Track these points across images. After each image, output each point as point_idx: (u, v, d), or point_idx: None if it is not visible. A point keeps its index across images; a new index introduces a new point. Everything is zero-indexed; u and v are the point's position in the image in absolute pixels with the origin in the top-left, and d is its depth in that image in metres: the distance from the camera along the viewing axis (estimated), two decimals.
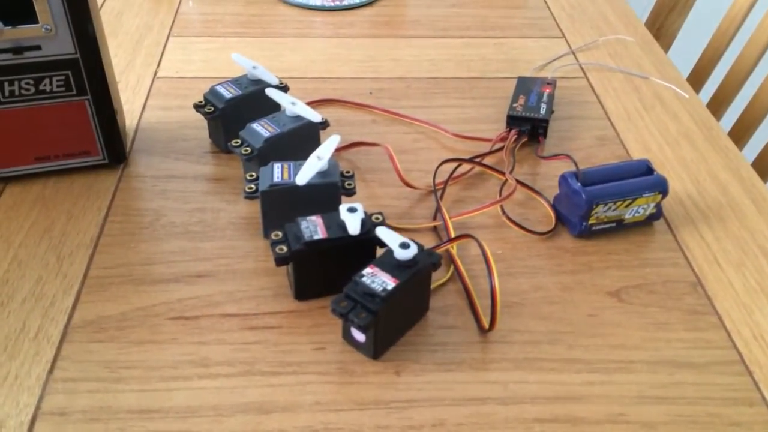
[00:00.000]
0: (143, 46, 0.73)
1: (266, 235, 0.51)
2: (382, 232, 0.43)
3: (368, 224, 0.45)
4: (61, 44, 0.49)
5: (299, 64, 0.72)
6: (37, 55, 0.49)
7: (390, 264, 0.42)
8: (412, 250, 0.42)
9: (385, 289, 0.41)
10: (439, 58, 0.74)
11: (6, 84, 0.49)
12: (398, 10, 0.83)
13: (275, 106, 0.59)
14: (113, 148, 0.55)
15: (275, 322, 0.45)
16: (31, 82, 0.50)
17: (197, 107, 0.57)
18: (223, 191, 0.55)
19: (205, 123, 0.61)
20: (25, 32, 0.47)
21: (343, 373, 0.42)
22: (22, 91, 0.50)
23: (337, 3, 0.83)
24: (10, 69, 0.49)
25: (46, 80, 0.50)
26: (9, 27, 0.46)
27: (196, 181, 0.56)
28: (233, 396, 0.40)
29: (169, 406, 0.40)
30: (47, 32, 0.48)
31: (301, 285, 0.46)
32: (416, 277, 0.42)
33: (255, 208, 0.54)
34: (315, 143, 0.56)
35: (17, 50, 0.48)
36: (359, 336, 0.42)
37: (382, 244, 0.44)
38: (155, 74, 0.69)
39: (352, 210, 0.45)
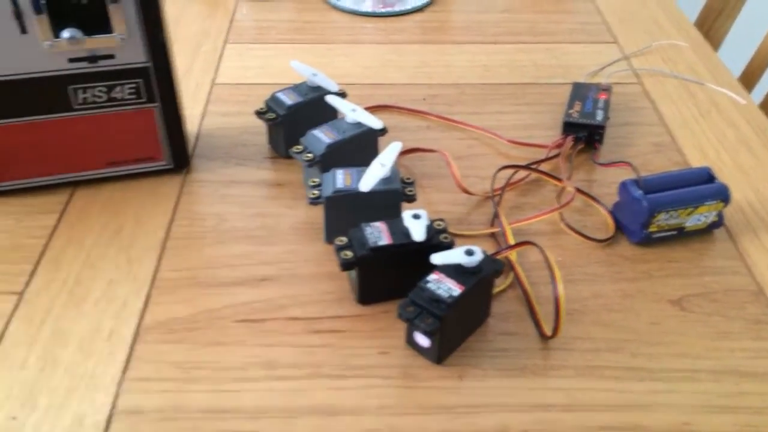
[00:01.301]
0: (201, 53, 0.75)
1: (328, 239, 0.52)
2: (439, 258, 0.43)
3: (431, 231, 0.46)
4: (134, 53, 0.51)
5: (353, 70, 0.72)
6: (110, 64, 0.51)
7: (455, 270, 0.43)
8: (478, 257, 0.42)
9: (451, 296, 0.41)
10: (492, 64, 0.74)
11: (80, 91, 0.51)
12: (448, 15, 0.84)
13: (333, 113, 0.60)
14: (178, 153, 0.57)
15: (339, 326, 0.46)
16: (104, 89, 0.52)
17: (259, 114, 0.59)
18: (283, 196, 0.56)
19: (263, 129, 0.62)
20: (101, 42, 0.49)
21: (408, 378, 0.43)
22: (95, 99, 0.52)
23: (388, 9, 0.84)
24: (84, 77, 0.51)
25: (118, 88, 0.52)
26: (87, 37, 0.48)
27: (256, 186, 0.57)
28: (301, 398, 0.41)
29: (239, 406, 0.41)
30: (121, 41, 0.49)
31: (364, 290, 0.46)
32: (480, 283, 0.43)
33: (315, 213, 0.55)
34: (373, 150, 0.57)
35: (92, 59, 0.50)
36: (423, 341, 0.43)
37: (445, 250, 0.45)
38: (213, 81, 0.70)
39: (416, 217, 0.45)
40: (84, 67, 0.50)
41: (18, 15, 0.47)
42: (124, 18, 0.49)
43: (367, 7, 0.85)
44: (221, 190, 0.57)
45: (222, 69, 0.72)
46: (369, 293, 0.47)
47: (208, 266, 0.50)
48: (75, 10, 0.48)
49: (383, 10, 0.84)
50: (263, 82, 0.71)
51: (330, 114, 0.60)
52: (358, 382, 0.42)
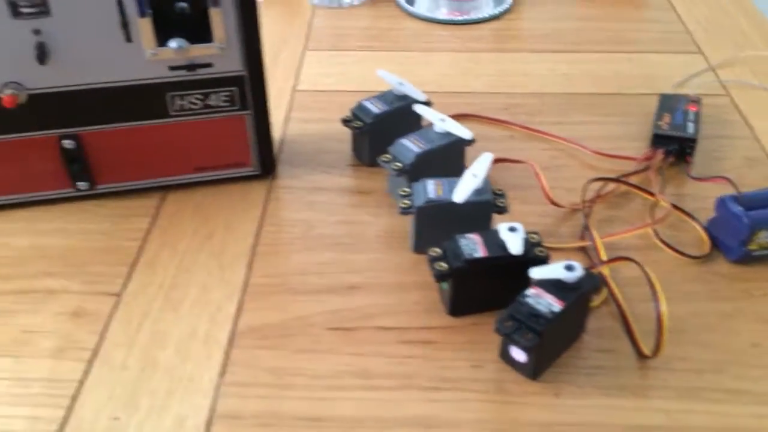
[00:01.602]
0: (281, 60, 0.76)
1: (416, 249, 0.52)
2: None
3: (527, 244, 0.45)
4: (231, 62, 0.51)
5: (432, 78, 0.72)
6: (208, 72, 0.52)
7: (553, 285, 0.42)
8: (578, 273, 0.42)
9: (551, 311, 0.40)
10: (573, 73, 0.73)
11: (177, 98, 0.52)
12: (524, 23, 0.83)
13: (417, 122, 0.60)
14: (265, 160, 0.57)
15: (430, 337, 0.46)
16: (200, 97, 0.53)
17: (345, 122, 0.59)
18: (368, 204, 0.56)
19: (346, 136, 0.63)
20: (202, 51, 0.50)
21: (502, 393, 0.42)
22: (191, 105, 0.53)
23: (465, 17, 0.83)
24: (182, 84, 0.52)
25: (213, 95, 0.53)
26: (192, 46, 0.49)
27: (341, 193, 0.58)
28: (396, 409, 0.41)
29: (334, 415, 0.41)
30: (221, 51, 0.50)
31: (457, 301, 0.46)
32: (579, 299, 0.42)
33: (400, 221, 0.55)
34: (460, 160, 0.57)
35: (191, 67, 0.51)
36: (520, 356, 0.42)
37: (541, 264, 0.44)
38: (294, 87, 0.71)
39: (512, 230, 0.45)
40: (183, 75, 0.51)
41: (125, 24, 0.48)
42: (224, 28, 0.50)
43: (443, 14, 0.84)
44: (307, 197, 0.57)
45: (302, 76, 0.73)
46: (460, 305, 0.46)
47: (297, 273, 0.50)
48: (177, 21, 0.49)
49: (459, 18, 0.83)
50: (343, 89, 0.71)
51: (414, 123, 0.60)
52: (452, 395, 0.42)
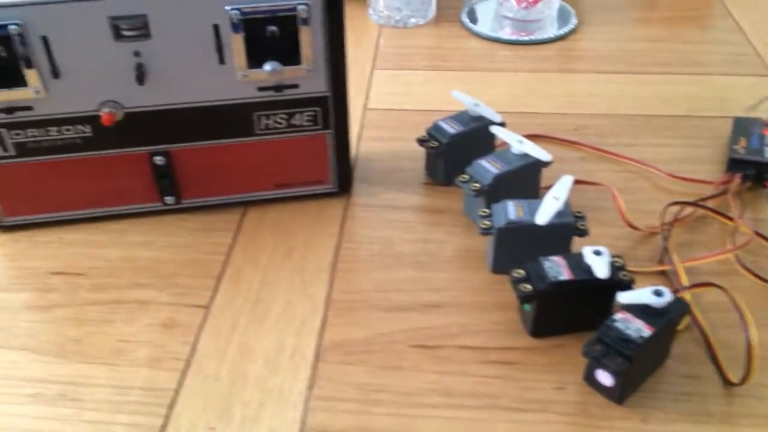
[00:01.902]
0: (351, 78, 0.77)
1: (494, 269, 0.52)
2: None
3: (612, 268, 0.45)
4: (316, 83, 0.53)
5: (500, 98, 0.73)
6: (294, 93, 0.53)
7: (641, 310, 0.42)
8: (667, 298, 0.42)
9: (641, 336, 0.41)
10: (642, 95, 0.73)
11: (263, 118, 0.54)
12: (590, 44, 0.83)
13: (491, 142, 0.61)
14: (343, 177, 0.59)
15: (512, 358, 0.46)
16: (285, 116, 0.54)
17: (420, 141, 0.60)
18: (444, 223, 0.57)
19: (418, 155, 0.64)
20: (290, 72, 0.51)
21: (588, 416, 0.42)
22: (276, 125, 0.55)
23: (531, 37, 0.84)
24: (269, 105, 0.53)
25: (297, 115, 0.54)
26: (285, 68, 0.50)
27: (416, 212, 0.59)
28: (483, 428, 0.42)
29: None
30: (308, 72, 0.52)
31: (539, 323, 0.47)
32: (667, 325, 0.42)
33: (476, 241, 0.55)
34: (536, 181, 0.57)
35: (278, 88, 0.53)
36: (607, 380, 0.42)
37: (626, 288, 0.44)
38: (365, 106, 0.73)
39: (598, 253, 0.45)
40: (270, 96, 0.53)
41: (219, 47, 0.50)
42: (312, 50, 0.51)
43: (506, 34, 0.85)
44: (383, 215, 0.58)
45: (372, 94, 0.74)
46: (543, 327, 0.47)
47: (378, 290, 0.51)
48: (268, 44, 0.50)
49: (524, 38, 0.84)
50: (412, 108, 0.72)
51: (488, 143, 0.61)
52: (537, 417, 0.42)
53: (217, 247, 0.55)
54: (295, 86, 0.53)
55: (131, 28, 0.49)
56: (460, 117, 0.61)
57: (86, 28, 0.48)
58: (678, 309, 0.43)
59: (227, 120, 0.54)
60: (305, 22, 0.50)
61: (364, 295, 0.51)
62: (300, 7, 0.49)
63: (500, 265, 0.52)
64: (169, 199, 0.57)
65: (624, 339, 0.41)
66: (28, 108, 0.51)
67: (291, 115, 0.54)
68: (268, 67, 0.50)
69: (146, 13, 0.48)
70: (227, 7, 0.49)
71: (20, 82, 0.49)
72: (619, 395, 0.42)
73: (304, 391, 0.44)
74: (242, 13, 0.49)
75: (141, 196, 0.56)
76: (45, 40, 0.48)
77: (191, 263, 0.53)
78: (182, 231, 0.56)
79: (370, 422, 0.42)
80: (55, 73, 0.49)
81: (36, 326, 0.48)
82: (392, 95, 0.74)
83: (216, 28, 0.49)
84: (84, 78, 0.50)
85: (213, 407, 0.43)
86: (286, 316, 0.49)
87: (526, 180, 0.57)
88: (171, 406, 0.43)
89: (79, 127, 0.52)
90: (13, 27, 0.47)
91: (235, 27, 0.49)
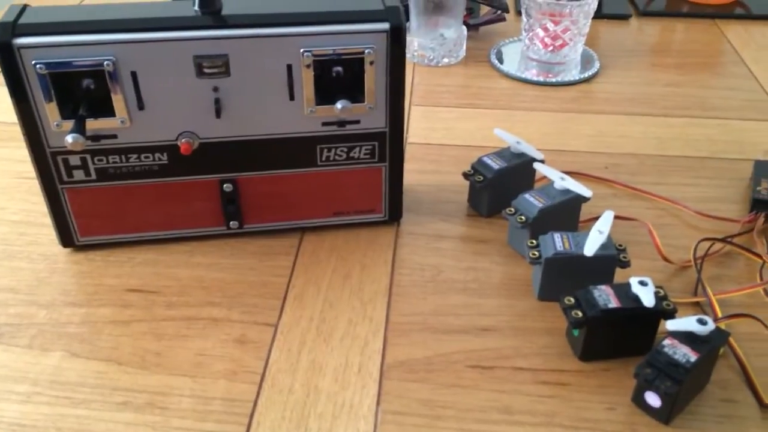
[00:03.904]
0: None
1: (541, 297, 0.56)
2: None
3: (656, 297, 0.49)
4: (376, 119, 0.57)
5: (533, 136, 0.78)
6: (355, 128, 0.57)
7: (686, 337, 0.46)
8: (710, 327, 0.46)
9: (688, 361, 0.44)
10: (666, 136, 0.78)
11: (325, 150, 0.58)
12: (613, 87, 0.88)
13: (531, 178, 0.65)
14: (394, 207, 0.63)
15: (564, 379, 0.50)
16: (345, 149, 0.58)
17: (466, 175, 0.64)
18: (489, 253, 0.61)
19: (461, 188, 0.68)
20: (356, 110, 0.56)
21: None
22: (336, 157, 0.59)
23: (557, 78, 0.89)
24: (331, 138, 0.58)
25: (357, 149, 0.59)
26: (353, 105, 0.55)
27: (463, 241, 0.62)
28: None
29: None
30: (369, 110, 0.56)
31: (588, 347, 0.50)
32: (711, 351, 0.46)
33: (520, 270, 0.59)
34: (576, 215, 0.62)
35: (341, 123, 0.57)
36: (655, 401, 0.46)
37: (669, 316, 0.48)
38: (405, 139, 0.77)
39: (643, 283, 0.49)
40: (333, 130, 0.57)
41: (290, 85, 0.54)
42: (374, 90, 0.55)
43: (532, 75, 0.90)
44: (432, 243, 0.62)
45: (411, 129, 0.79)
46: (592, 351, 0.51)
47: (433, 313, 0.55)
48: (334, 82, 0.55)
49: (550, 80, 0.89)
50: (450, 143, 0.76)
51: (529, 178, 0.66)
52: None
53: (279, 270, 0.58)
54: (356, 122, 0.57)
55: (213, 66, 0.53)
56: (503, 153, 0.65)
57: (172, 65, 0.52)
58: (719, 337, 0.47)
59: (292, 151, 0.58)
60: (371, 64, 0.54)
61: (421, 318, 0.54)
62: (367, 50, 0.54)
63: (546, 292, 0.56)
64: (233, 224, 0.60)
65: (673, 363, 0.45)
66: (113, 136, 0.54)
67: (351, 149, 0.58)
68: (339, 105, 0.54)
69: (228, 53, 0.52)
70: (302, 50, 0.53)
71: (108, 112, 0.53)
72: (666, 416, 0.46)
73: (374, 406, 0.48)
74: (314, 55, 0.53)
75: (208, 220, 0.60)
76: (134, 75, 0.52)
77: (256, 284, 0.57)
78: (244, 254, 0.60)
79: None
80: (141, 105, 0.53)
81: (118, 339, 0.52)
82: (430, 130, 0.79)
83: (289, 67, 0.54)
84: (166, 110, 0.54)
85: (290, 418, 0.46)
86: (349, 335, 0.53)
87: (567, 214, 0.61)
88: (252, 416, 0.46)
89: (158, 155, 0.56)
90: (107, 62, 0.51)
91: (307, 67, 0.54)
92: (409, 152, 0.75)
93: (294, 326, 0.53)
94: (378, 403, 0.48)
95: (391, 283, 0.58)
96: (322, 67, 0.54)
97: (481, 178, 0.63)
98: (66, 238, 0.59)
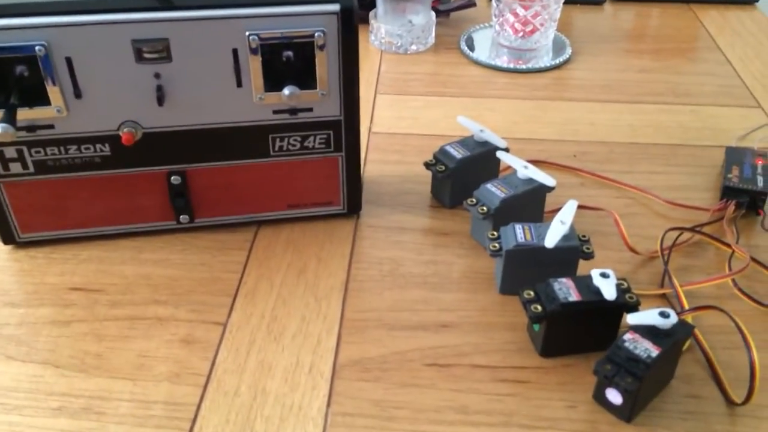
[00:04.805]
0: None
1: (502, 290, 0.54)
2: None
3: (618, 290, 0.47)
4: (330, 107, 0.55)
5: (501, 124, 0.75)
6: (308, 116, 0.55)
7: (648, 331, 0.44)
8: (672, 320, 0.44)
9: (649, 356, 0.42)
10: (637, 124, 0.76)
11: (278, 140, 0.56)
12: (585, 74, 0.86)
13: (495, 167, 0.63)
14: (353, 199, 0.60)
15: (524, 377, 0.48)
16: (299, 139, 0.56)
17: (427, 165, 0.62)
18: (451, 245, 0.59)
19: (424, 178, 0.65)
20: (306, 96, 0.53)
21: None
22: (289, 147, 0.56)
23: (528, 65, 0.87)
24: (284, 127, 0.55)
25: (311, 138, 0.56)
26: (301, 92, 0.52)
27: (424, 234, 0.60)
28: None
29: None
30: (322, 97, 0.54)
31: (549, 343, 0.48)
32: (674, 346, 0.44)
33: (483, 263, 0.57)
34: (540, 204, 0.59)
35: (293, 111, 0.54)
36: (616, 398, 0.44)
37: (632, 310, 0.46)
38: (370, 129, 0.74)
39: (604, 275, 0.47)
40: (285, 119, 0.55)
41: (237, 70, 0.52)
42: (327, 75, 0.53)
43: (504, 62, 0.88)
44: (392, 236, 0.60)
45: (376, 118, 0.76)
46: (552, 346, 0.48)
47: (390, 309, 0.53)
48: (283, 68, 0.52)
49: (521, 66, 0.87)
50: (415, 132, 0.74)
51: (493, 168, 0.63)
52: None
53: (232, 266, 0.56)
54: (309, 110, 0.55)
55: (153, 51, 0.50)
56: (466, 142, 0.63)
57: (109, 50, 0.49)
58: (683, 330, 0.45)
59: (242, 141, 0.55)
60: (322, 48, 0.52)
61: (377, 314, 0.52)
62: (317, 33, 0.51)
63: (508, 286, 0.53)
64: (183, 218, 0.58)
65: (633, 359, 0.43)
66: (50, 126, 0.52)
67: (304, 138, 0.56)
68: (287, 91, 0.51)
69: (168, 36, 0.50)
70: (247, 33, 0.50)
71: (43, 101, 0.50)
72: (628, 414, 0.44)
73: (323, 408, 0.45)
74: (261, 38, 0.51)
75: (156, 214, 0.57)
76: (69, 61, 0.49)
77: (206, 281, 0.54)
78: (196, 249, 0.57)
79: None
80: (78, 94, 0.51)
81: (57, 341, 0.49)
82: (396, 119, 0.76)
83: (235, 52, 0.51)
84: (105, 98, 0.51)
85: (235, 422, 0.44)
86: (302, 333, 0.50)
87: (531, 204, 0.59)
88: (194, 420, 0.44)
89: (99, 146, 0.53)
90: (39, 48, 0.48)
91: (254, 51, 0.51)
92: (372, 142, 0.72)
93: (244, 325, 0.51)
94: (328, 404, 0.45)
95: (348, 277, 0.55)
96: (270, 51, 0.52)
97: (443, 167, 0.61)
98: (6, 235, 0.56)
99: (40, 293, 0.53)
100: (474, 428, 0.44)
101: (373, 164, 0.69)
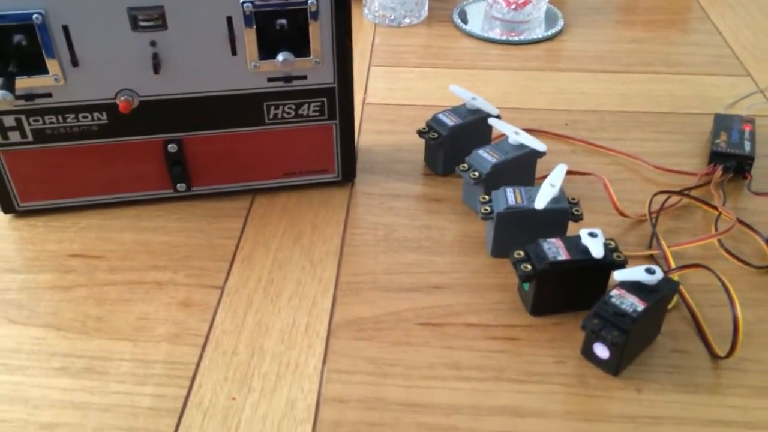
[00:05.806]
0: None
1: (493, 253, 0.55)
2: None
3: (606, 249, 0.48)
4: (324, 75, 0.55)
5: (494, 95, 0.76)
6: (302, 84, 0.56)
7: (635, 287, 0.45)
8: (658, 276, 0.45)
9: (635, 310, 0.44)
10: (628, 93, 0.77)
11: (273, 108, 0.56)
12: (577, 45, 0.87)
13: (488, 134, 0.64)
14: (347, 167, 0.61)
15: (515, 334, 0.49)
16: (293, 107, 0.57)
17: (420, 133, 0.63)
18: (444, 211, 0.60)
19: (417, 147, 0.66)
20: (300, 64, 0.54)
21: (587, 386, 0.45)
22: (284, 115, 0.57)
23: (520, 37, 0.87)
24: (278, 95, 0.56)
25: (305, 106, 0.57)
26: (295, 59, 0.53)
27: (417, 200, 0.61)
28: (488, 398, 0.45)
29: (433, 402, 0.44)
30: (316, 64, 0.54)
31: (538, 302, 0.49)
32: (659, 301, 0.45)
33: (475, 227, 0.58)
34: (532, 170, 0.60)
35: (288, 79, 0.55)
36: (603, 352, 0.45)
37: (620, 268, 0.47)
38: (364, 100, 0.75)
39: (593, 235, 0.48)
40: (280, 86, 0.55)
41: (231, 38, 0.52)
42: (320, 43, 0.54)
43: (497, 34, 0.88)
44: (386, 203, 0.61)
45: (370, 90, 0.77)
46: (542, 305, 0.50)
47: (385, 272, 0.54)
48: (277, 36, 0.53)
49: (513, 38, 0.87)
50: (409, 103, 0.75)
51: (485, 135, 0.64)
52: (539, 388, 0.45)
53: (228, 232, 0.57)
54: (303, 77, 0.55)
55: (148, 19, 0.51)
56: (458, 110, 0.63)
57: (105, 18, 0.50)
58: (668, 287, 0.46)
59: (238, 109, 0.56)
60: (315, 15, 0.52)
61: (372, 277, 0.53)
62: (310, 1, 0.52)
63: (499, 249, 0.55)
64: (180, 186, 0.59)
65: (620, 313, 0.44)
66: (48, 95, 0.52)
67: (299, 106, 0.57)
68: (280, 57, 0.52)
69: (163, 4, 0.50)
70: (241, 0, 0.51)
71: (41, 69, 0.51)
72: (615, 367, 0.45)
73: (319, 365, 0.47)
74: (255, 6, 0.51)
75: (153, 182, 0.58)
76: (66, 29, 0.50)
77: (204, 247, 0.55)
78: (193, 217, 0.58)
79: (384, 393, 0.45)
80: (75, 62, 0.51)
81: (58, 305, 0.50)
82: (390, 90, 0.77)
83: (229, 20, 0.52)
84: (102, 67, 0.52)
85: (233, 379, 0.45)
86: (297, 295, 0.52)
87: (522, 169, 0.60)
88: (193, 378, 0.45)
89: (96, 114, 0.54)
90: (36, 16, 0.49)
91: (248, 19, 0.52)
92: (366, 113, 0.73)
93: (241, 288, 0.52)
94: (324, 362, 0.47)
95: (343, 243, 0.56)
96: (264, 19, 0.52)
97: (436, 135, 0.62)
98: (6, 204, 0.57)
99: (40, 260, 0.54)
100: (466, 383, 0.46)
101: (367, 134, 0.70)
